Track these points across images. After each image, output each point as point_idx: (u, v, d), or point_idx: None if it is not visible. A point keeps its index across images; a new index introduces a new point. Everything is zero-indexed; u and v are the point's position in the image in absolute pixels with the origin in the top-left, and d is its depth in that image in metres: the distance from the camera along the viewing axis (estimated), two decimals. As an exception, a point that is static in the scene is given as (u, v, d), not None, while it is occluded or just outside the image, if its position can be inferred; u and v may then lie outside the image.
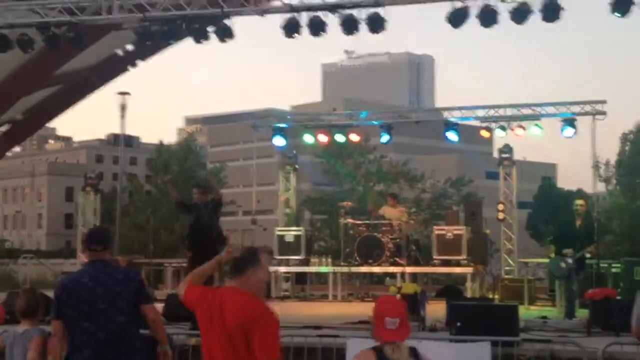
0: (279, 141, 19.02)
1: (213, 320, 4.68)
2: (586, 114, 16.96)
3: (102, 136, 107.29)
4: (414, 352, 4.30)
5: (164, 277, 18.97)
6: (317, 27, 13.20)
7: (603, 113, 16.77)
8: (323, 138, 19.11)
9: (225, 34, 13.74)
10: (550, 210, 44.04)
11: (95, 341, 5.58)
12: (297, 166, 19.87)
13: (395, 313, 4.24)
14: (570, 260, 12.24)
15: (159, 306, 12.17)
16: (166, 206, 42.47)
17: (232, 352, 4.58)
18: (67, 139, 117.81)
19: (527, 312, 13.54)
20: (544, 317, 12.14)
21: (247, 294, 4.67)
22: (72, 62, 17.11)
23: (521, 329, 10.03)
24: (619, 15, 12.29)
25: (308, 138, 19.22)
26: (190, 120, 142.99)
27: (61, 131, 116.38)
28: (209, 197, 11.86)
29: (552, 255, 13.39)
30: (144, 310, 5.73)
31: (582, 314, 12.05)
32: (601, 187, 43.14)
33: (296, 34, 13.48)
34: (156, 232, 36.79)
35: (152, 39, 14.17)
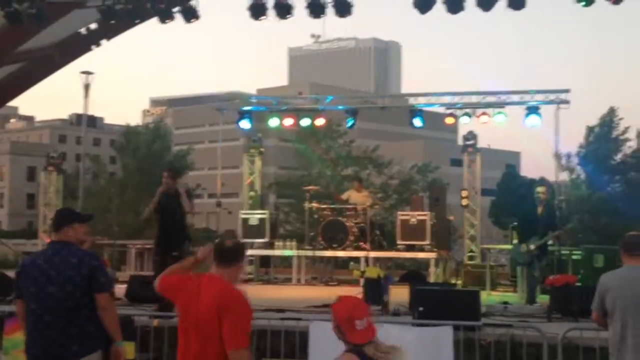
0: (244, 124, 18.94)
1: (190, 306, 4.69)
2: (550, 102, 17.09)
3: (65, 116, 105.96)
4: None
5: (127, 258, 18.81)
6: (283, 10, 13.16)
7: (566, 102, 16.90)
8: (289, 122, 19.05)
9: (190, 14, 13.63)
10: (514, 197, 44.41)
11: (42, 324, 5.46)
12: (262, 149, 19.81)
13: (363, 314, 4.17)
14: (532, 247, 12.38)
15: (122, 287, 12.12)
16: (132, 189, 42.16)
17: (203, 337, 4.59)
18: (30, 118, 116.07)
19: (489, 297, 13.67)
20: (506, 303, 12.26)
21: (227, 281, 4.69)
22: (34, 40, 16.82)
23: (483, 314, 10.11)
24: (583, 4, 12.41)
25: (273, 122, 19.14)
26: (155, 102, 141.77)
27: (23, 110, 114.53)
28: (176, 186, 11.59)
29: (515, 241, 13.53)
30: (97, 299, 5.54)
31: (543, 299, 12.20)
32: (564, 175, 43.73)
33: (263, 17, 13.42)
34: (122, 214, 36.51)
35: (117, 18, 14.00)
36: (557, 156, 42.39)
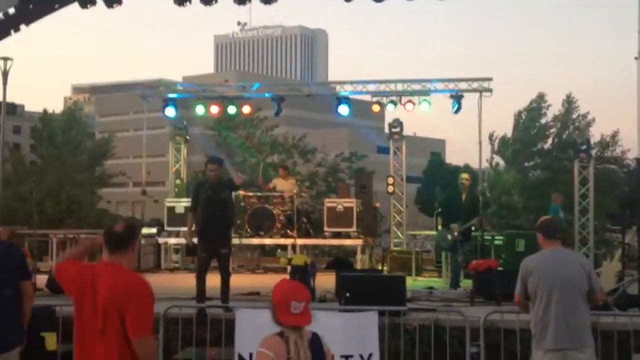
0: (169, 112, 18.68)
1: (85, 297, 4.52)
2: (473, 90, 17.37)
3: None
4: (316, 338, 4.18)
5: (48, 248, 18.39)
6: (209, -4, 13.02)
7: (489, 90, 17.21)
8: (215, 109, 18.88)
9: (113, -1, 13.37)
10: (439, 184, 45.05)
11: None
12: (188, 137, 19.60)
13: (301, 297, 4.13)
14: (455, 233, 12.59)
15: (43, 278, 11.88)
16: (52, 176, 41.17)
17: (103, 329, 4.42)
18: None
19: (415, 283, 13.89)
20: (430, 288, 12.48)
21: (123, 268, 4.55)
22: (-51, 24, 16.27)
23: (408, 299, 10.26)
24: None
25: (199, 109, 18.94)
26: (77, 89, 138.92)
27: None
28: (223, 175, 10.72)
29: (440, 227, 13.75)
30: (24, 286, 5.60)
31: (467, 284, 12.44)
32: (496, 159, 44.35)
33: (187, 3, 13.27)
34: (41, 203, 35.62)
35: (36, 3, 13.64)
36: (490, 140, 43.25)
